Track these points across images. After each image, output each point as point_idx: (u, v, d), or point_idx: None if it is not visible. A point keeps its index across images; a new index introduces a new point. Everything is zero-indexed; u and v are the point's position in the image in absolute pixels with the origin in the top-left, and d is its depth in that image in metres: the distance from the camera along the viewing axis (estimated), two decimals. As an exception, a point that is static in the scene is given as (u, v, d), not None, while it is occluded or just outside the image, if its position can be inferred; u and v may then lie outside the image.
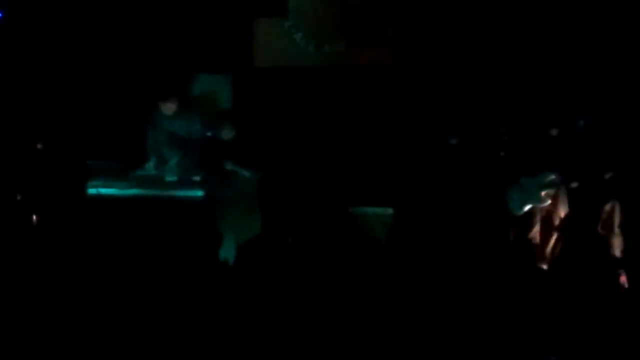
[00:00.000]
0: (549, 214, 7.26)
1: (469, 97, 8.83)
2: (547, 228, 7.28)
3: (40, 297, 6.54)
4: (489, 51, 8.69)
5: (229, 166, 7.63)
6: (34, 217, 7.80)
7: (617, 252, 7.06)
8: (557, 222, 7.29)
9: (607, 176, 7.32)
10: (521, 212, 7.18)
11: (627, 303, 6.21)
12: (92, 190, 7.72)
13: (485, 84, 8.71)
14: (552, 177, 7.06)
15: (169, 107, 7.87)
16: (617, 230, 7.14)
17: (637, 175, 7.41)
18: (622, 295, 6.37)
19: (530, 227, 7.25)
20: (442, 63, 8.83)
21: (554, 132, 7.63)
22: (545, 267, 7.22)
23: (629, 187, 7.25)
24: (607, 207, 7.20)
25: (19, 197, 7.91)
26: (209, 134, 8.58)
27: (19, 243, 7.44)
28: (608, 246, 7.07)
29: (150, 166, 7.95)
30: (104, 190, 7.71)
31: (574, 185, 7.24)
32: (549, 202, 7.16)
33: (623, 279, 6.25)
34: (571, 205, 7.36)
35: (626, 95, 8.24)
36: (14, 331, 5.90)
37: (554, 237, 7.30)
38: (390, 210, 8.13)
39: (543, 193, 7.07)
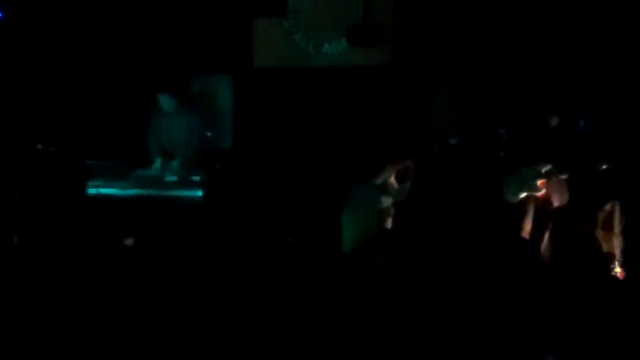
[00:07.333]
0: (542, 205, 7.38)
1: (468, 95, 8.86)
2: (541, 220, 7.37)
3: (40, 297, 6.53)
4: (488, 50, 8.71)
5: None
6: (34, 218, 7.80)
7: (617, 252, 7.07)
8: (550, 213, 7.37)
9: (607, 175, 7.35)
10: (516, 200, 7.36)
11: (626, 303, 6.21)
12: (92, 190, 7.72)
13: (484, 81, 8.74)
14: (549, 167, 7.30)
15: (166, 101, 7.86)
16: (617, 230, 7.15)
17: (637, 175, 7.42)
18: (621, 295, 6.37)
19: (523, 216, 7.37)
20: (441, 63, 8.85)
21: (554, 130, 7.68)
22: (542, 265, 7.23)
23: (629, 187, 7.26)
24: (607, 207, 7.21)
25: (19, 197, 7.90)
26: (208, 134, 8.60)
27: (19, 243, 7.43)
28: (607, 246, 7.09)
29: (157, 166, 7.95)
30: (104, 190, 7.71)
31: (565, 176, 7.39)
32: (544, 191, 7.32)
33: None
34: (570, 205, 7.38)
35: (627, 94, 8.27)
36: (13, 331, 5.90)
37: (548, 232, 7.35)
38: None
39: (539, 182, 7.27)
